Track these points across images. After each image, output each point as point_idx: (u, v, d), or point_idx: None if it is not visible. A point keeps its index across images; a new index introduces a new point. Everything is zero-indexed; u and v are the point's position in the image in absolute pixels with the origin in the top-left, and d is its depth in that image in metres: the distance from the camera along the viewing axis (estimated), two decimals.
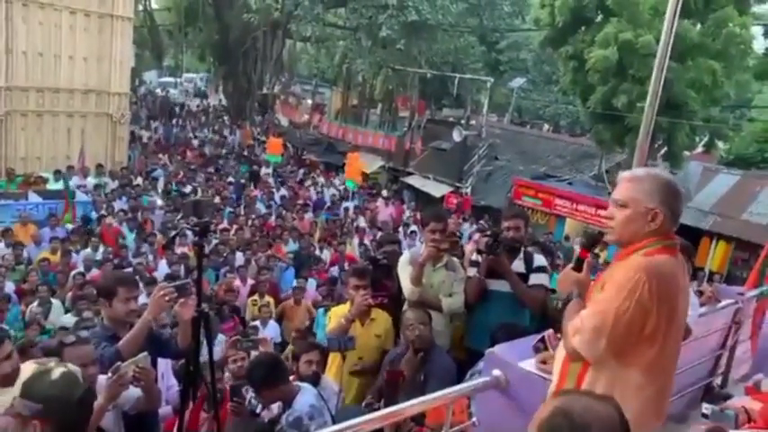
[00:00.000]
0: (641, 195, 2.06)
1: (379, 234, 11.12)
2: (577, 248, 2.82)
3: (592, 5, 14.76)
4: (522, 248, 4.16)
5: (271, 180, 16.33)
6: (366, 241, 11.76)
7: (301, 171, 19.14)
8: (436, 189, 18.47)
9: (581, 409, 1.40)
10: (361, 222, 13.49)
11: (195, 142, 20.57)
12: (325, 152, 22.23)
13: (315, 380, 3.75)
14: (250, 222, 11.82)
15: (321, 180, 17.83)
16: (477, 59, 24.23)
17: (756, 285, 4.52)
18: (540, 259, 4.16)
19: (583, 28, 15.30)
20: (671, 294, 1.99)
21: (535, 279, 4.02)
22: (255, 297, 8.40)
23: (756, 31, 14.84)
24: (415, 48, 20.35)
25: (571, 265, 2.37)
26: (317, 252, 10.91)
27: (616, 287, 1.99)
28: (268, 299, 8.33)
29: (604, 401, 1.46)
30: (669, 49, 3.11)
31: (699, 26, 13.95)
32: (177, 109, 27.14)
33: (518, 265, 4.05)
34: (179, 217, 10.61)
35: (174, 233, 9.02)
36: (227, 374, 4.62)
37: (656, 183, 2.06)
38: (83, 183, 12.86)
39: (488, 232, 4.23)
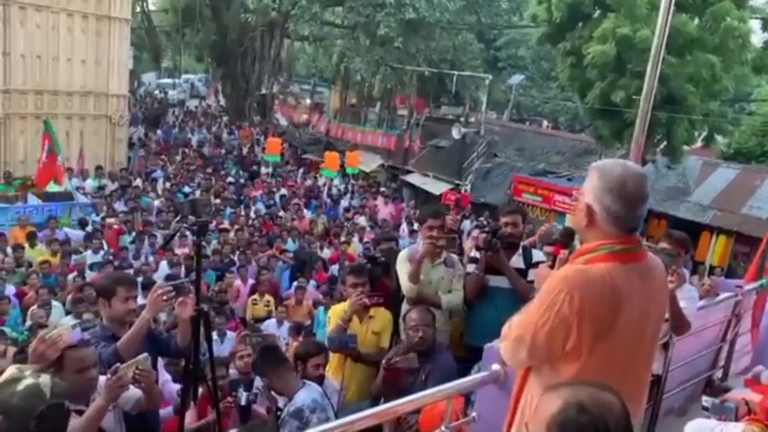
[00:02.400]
0: (586, 189, 1.90)
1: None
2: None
3: (589, 1, 14.73)
4: (521, 244, 4.15)
5: (271, 180, 16.33)
6: (367, 239, 11.78)
7: (301, 170, 19.14)
8: (435, 187, 18.45)
9: (592, 399, 1.35)
10: (361, 221, 13.50)
11: (194, 142, 20.57)
12: (325, 151, 22.20)
13: (320, 381, 3.76)
14: (250, 222, 11.83)
15: (322, 179, 17.84)
16: (475, 57, 24.20)
17: (756, 278, 4.51)
18: (538, 255, 4.15)
19: (580, 24, 15.26)
20: (602, 309, 1.79)
21: (534, 275, 4.01)
22: (256, 296, 8.42)
23: (754, 24, 14.78)
24: (413, 46, 20.33)
25: (549, 262, 2.30)
26: (319, 251, 10.91)
27: (541, 297, 1.86)
28: (268, 298, 8.34)
29: (605, 390, 1.40)
30: (664, 42, 3.10)
31: (696, 20, 13.93)
32: (175, 110, 27.10)
33: (517, 261, 4.03)
34: (177, 219, 10.59)
35: (169, 234, 9.00)
36: (232, 371, 4.62)
37: (600, 177, 1.86)
38: (82, 185, 12.87)
39: (487, 229, 4.22)
